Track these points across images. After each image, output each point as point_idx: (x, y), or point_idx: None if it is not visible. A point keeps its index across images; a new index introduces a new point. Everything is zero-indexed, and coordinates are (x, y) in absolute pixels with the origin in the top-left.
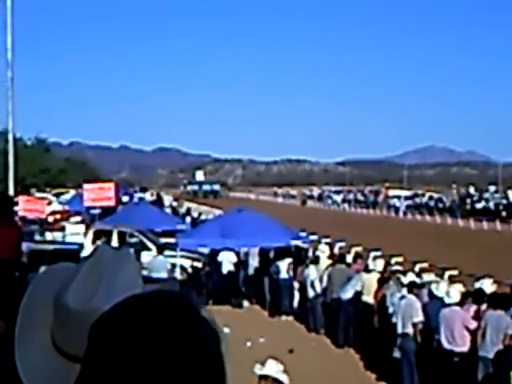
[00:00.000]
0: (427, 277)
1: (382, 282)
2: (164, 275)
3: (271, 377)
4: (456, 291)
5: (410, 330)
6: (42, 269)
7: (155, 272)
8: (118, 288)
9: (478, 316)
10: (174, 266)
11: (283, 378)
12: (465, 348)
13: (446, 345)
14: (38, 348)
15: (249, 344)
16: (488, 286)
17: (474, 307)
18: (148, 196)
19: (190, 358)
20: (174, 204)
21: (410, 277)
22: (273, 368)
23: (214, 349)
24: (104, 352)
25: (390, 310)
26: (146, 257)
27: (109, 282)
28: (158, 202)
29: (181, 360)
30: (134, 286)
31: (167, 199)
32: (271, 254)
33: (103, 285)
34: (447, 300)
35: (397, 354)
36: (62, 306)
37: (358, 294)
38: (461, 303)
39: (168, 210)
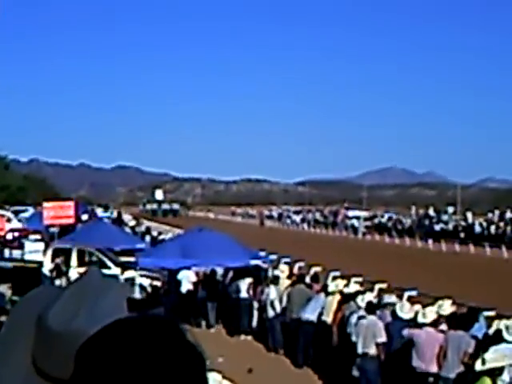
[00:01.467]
0: (388, 298)
1: (342, 302)
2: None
3: None
4: (432, 312)
5: (371, 351)
6: (1, 286)
7: None
8: (102, 311)
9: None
10: (133, 284)
11: None
12: (436, 368)
13: (418, 365)
14: (18, 370)
15: (208, 363)
16: (447, 307)
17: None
18: (109, 213)
19: (177, 382)
20: (133, 223)
21: (370, 297)
22: None
23: (200, 373)
24: (90, 376)
25: (350, 330)
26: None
27: (92, 305)
28: (118, 221)
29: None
30: (118, 310)
31: (127, 218)
32: (229, 275)
33: (86, 307)
34: (422, 320)
35: (355, 372)
36: (44, 326)
37: (318, 315)
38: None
39: (127, 229)
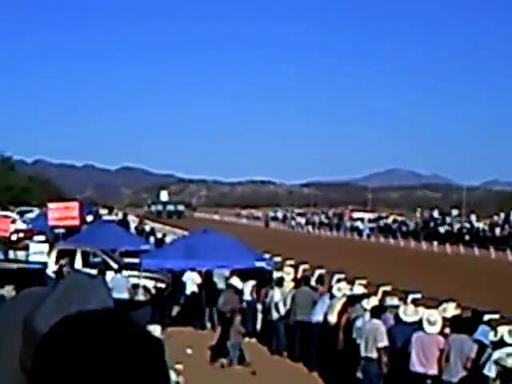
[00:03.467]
0: (390, 300)
1: (347, 304)
2: (125, 296)
3: None
4: (437, 317)
5: (373, 354)
6: (6, 288)
7: (115, 292)
8: None
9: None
10: (137, 286)
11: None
12: (436, 371)
13: (418, 368)
14: (6, 372)
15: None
16: (451, 310)
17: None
18: (113, 217)
19: (132, 371)
20: (140, 225)
21: (374, 300)
22: None
23: (157, 361)
24: (46, 372)
25: (355, 332)
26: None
27: (78, 307)
28: (124, 222)
29: (121, 374)
30: None
31: (132, 219)
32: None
33: (72, 309)
34: (429, 329)
35: (359, 374)
36: (31, 329)
37: (323, 317)
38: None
39: (133, 231)
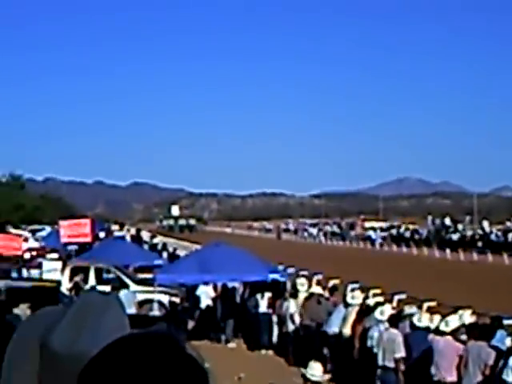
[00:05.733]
0: (407, 309)
1: (362, 314)
2: (132, 311)
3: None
4: (455, 321)
5: (391, 364)
6: (21, 307)
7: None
8: (104, 331)
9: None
10: (151, 301)
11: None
12: (455, 378)
13: (435, 374)
14: None
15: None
16: (467, 317)
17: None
18: (125, 232)
19: None
20: (151, 240)
21: (389, 309)
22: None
23: None
24: None
25: (370, 342)
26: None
27: (94, 325)
28: (137, 238)
29: None
30: (120, 328)
31: (145, 235)
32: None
33: (88, 328)
34: (444, 328)
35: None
36: (48, 349)
37: (339, 327)
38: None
39: (146, 246)
